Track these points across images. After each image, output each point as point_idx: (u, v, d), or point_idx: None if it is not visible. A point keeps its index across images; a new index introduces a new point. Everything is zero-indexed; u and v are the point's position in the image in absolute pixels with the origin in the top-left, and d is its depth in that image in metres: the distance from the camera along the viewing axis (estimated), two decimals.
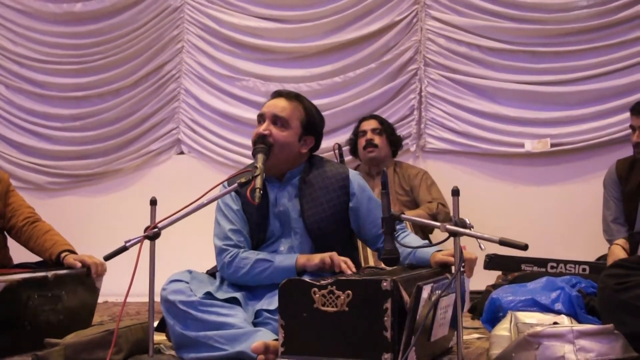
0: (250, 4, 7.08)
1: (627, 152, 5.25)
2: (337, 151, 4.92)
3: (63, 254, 3.99)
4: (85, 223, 7.15)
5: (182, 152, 7.28)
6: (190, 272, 3.45)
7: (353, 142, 5.92)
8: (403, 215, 2.90)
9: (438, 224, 2.70)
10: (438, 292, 2.82)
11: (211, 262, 3.59)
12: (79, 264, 3.93)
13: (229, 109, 7.06)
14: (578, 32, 6.15)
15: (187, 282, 3.33)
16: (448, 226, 2.61)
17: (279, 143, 3.43)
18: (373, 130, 5.77)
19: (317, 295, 2.74)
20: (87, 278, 3.96)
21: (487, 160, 6.40)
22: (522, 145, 6.21)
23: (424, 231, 5.40)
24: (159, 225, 2.87)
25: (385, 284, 2.65)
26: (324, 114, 3.72)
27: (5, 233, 4.24)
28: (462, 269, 3.12)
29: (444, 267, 3.26)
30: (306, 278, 2.92)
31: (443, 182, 5.69)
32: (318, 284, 2.76)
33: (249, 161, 3.65)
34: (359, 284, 2.72)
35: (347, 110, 6.63)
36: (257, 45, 7.06)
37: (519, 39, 6.29)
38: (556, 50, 6.21)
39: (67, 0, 7.55)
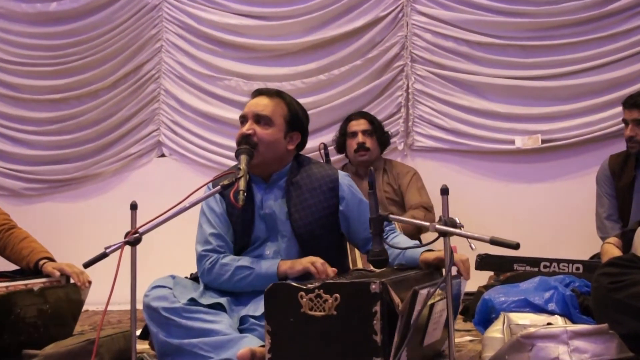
0: (230, 0, 7.08)
1: (620, 147, 5.28)
2: (322, 151, 4.92)
3: (41, 262, 3.95)
4: (64, 230, 7.13)
5: (163, 155, 7.27)
6: (173, 277, 3.45)
7: (341, 142, 5.89)
8: (391, 216, 2.90)
9: (427, 223, 2.70)
10: (432, 294, 2.81)
11: (195, 267, 3.59)
12: (58, 273, 3.89)
13: (210, 109, 7.06)
14: (568, 25, 6.17)
15: (170, 288, 3.32)
16: (437, 226, 2.60)
17: (264, 142, 3.43)
18: (364, 132, 5.73)
19: (304, 300, 2.74)
20: (71, 289, 3.92)
21: (476, 158, 6.41)
22: (513, 142, 6.22)
23: (414, 233, 5.40)
24: (140, 230, 2.86)
25: (374, 287, 2.65)
26: (309, 112, 3.73)
27: None
28: (457, 273, 3.14)
29: (435, 268, 3.27)
30: (292, 282, 2.93)
31: (432, 181, 5.67)
32: (305, 287, 2.76)
33: (233, 163, 3.65)
34: (347, 286, 2.72)
35: (332, 109, 6.63)
36: (238, 43, 7.06)
37: (507, 33, 6.31)
38: (546, 43, 6.22)
39: (41, 0, 7.52)
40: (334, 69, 6.72)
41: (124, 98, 7.29)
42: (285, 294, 2.80)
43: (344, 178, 3.57)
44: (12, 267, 4.13)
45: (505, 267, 4.75)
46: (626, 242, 3.90)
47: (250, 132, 3.43)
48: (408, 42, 6.54)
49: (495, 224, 5.57)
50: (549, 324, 3.35)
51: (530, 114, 6.23)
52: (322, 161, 4.50)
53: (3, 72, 7.61)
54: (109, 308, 2.92)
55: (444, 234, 2.61)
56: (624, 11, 6.05)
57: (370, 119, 5.86)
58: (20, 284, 3.70)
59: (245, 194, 2.99)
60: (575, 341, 2.99)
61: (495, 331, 3.41)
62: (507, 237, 2.60)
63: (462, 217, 2.66)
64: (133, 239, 2.80)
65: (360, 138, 5.72)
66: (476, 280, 5.04)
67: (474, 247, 2.66)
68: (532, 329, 3.06)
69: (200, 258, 3.47)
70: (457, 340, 3.85)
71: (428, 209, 5.57)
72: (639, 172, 5.07)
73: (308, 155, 3.77)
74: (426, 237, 5.35)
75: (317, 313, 2.72)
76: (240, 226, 3.51)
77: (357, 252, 4.50)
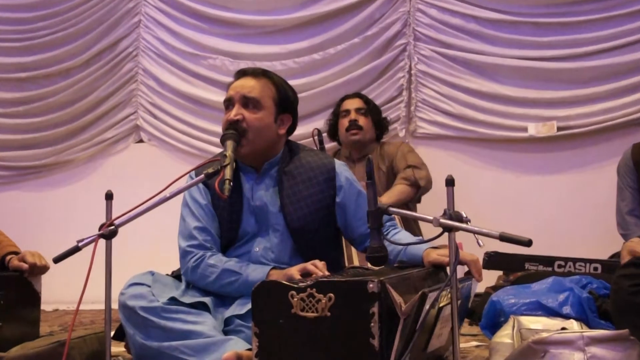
0: None
1: None
2: (316, 137, 4.91)
3: (8, 257, 3.94)
4: (33, 221, 7.14)
5: (141, 140, 7.29)
6: (152, 274, 3.45)
7: (333, 123, 5.91)
8: (391, 209, 2.89)
9: (430, 217, 2.70)
10: (440, 297, 2.81)
11: (176, 263, 3.59)
12: (26, 265, 3.86)
13: (193, 90, 7.06)
14: (587, 0, 6.16)
15: (149, 286, 3.32)
16: (442, 220, 2.59)
17: (254, 127, 3.42)
18: (357, 110, 5.78)
19: (295, 299, 2.74)
20: (21, 280, 3.86)
21: (485, 147, 6.43)
22: (525, 129, 6.23)
23: (413, 226, 5.42)
24: (116, 222, 2.86)
25: (372, 286, 2.65)
26: (300, 95, 3.75)
27: None
28: (467, 274, 3.14)
29: (440, 266, 3.27)
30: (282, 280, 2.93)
31: (436, 171, 5.69)
32: (296, 286, 2.76)
33: (217, 150, 3.64)
34: (342, 285, 2.72)
35: (327, 92, 6.64)
36: (224, 18, 7.06)
37: (520, 9, 6.31)
38: (563, 20, 6.22)
39: None
40: (329, 47, 6.72)
41: (98, 78, 7.29)
42: (274, 293, 2.79)
43: (341, 167, 3.58)
44: None
45: (515, 266, 4.76)
46: None
47: (238, 117, 3.41)
48: (411, 18, 6.55)
49: (505, 219, 5.60)
50: (563, 328, 3.36)
51: (545, 98, 6.24)
52: (315, 148, 4.51)
53: None
54: (82, 307, 2.92)
55: (448, 229, 2.61)
56: None
57: (366, 100, 5.90)
58: None
59: (231, 183, 2.97)
60: (592, 348, 3.00)
61: (504, 336, 3.42)
62: (518, 233, 2.61)
63: (468, 211, 2.66)
64: (108, 232, 2.80)
65: (353, 115, 5.75)
66: (483, 280, 5.05)
67: (481, 243, 2.67)
68: (544, 334, 3.06)
69: (185, 254, 3.47)
70: (462, 345, 3.87)
71: (417, 166, 5.59)
72: None
73: (300, 142, 3.77)
74: (431, 232, 5.36)
75: (309, 314, 2.72)
76: (226, 220, 3.50)
77: (353, 249, 4.51)
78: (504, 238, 2.53)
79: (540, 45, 6.25)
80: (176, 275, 3.59)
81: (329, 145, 5.99)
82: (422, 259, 3.29)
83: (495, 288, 4.69)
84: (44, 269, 3.85)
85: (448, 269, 3.11)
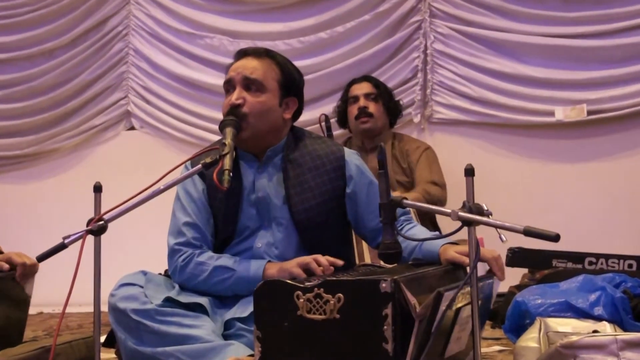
0: None
1: None
2: (323, 124, 4.92)
3: None
4: (14, 216, 7.17)
5: (132, 127, 7.30)
6: (144, 273, 3.44)
7: (341, 110, 5.92)
8: (406, 201, 2.89)
9: (448, 210, 2.69)
10: (457, 297, 2.81)
11: None
12: (7, 266, 3.87)
13: (189, 73, 7.07)
14: None
15: (141, 287, 3.31)
16: (461, 213, 2.59)
17: (256, 112, 3.40)
18: (366, 96, 5.78)
19: (301, 300, 2.74)
20: (13, 282, 3.89)
21: (508, 133, 6.42)
22: (552, 114, 6.22)
23: (432, 221, 5.42)
24: (105, 217, 2.87)
25: (385, 285, 2.65)
26: (306, 77, 3.73)
27: None
28: (489, 272, 3.14)
29: (459, 264, 3.26)
30: (287, 279, 2.93)
31: (454, 160, 5.65)
32: (302, 286, 2.76)
33: (215, 137, 3.65)
34: (353, 285, 2.72)
35: (335, 74, 6.64)
36: None
37: None
38: None
39: None
40: (337, 25, 6.72)
41: (85, 59, 7.29)
42: (278, 293, 2.79)
43: (351, 155, 3.57)
44: None
45: (542, 263, 4.77)
46: None
47: (240, 101, 3.40)
48: None
49: (530, 212, 5.60)
50: (595, 331, 3.36)
51: (574, 79, 6.23)
52: (323, 135, 4.51)
53: None
54: (68, 310, 2.93)
55: (468, 223, 2.60)
56: None
57: (376, 83, 5.89)
58: None
59: (231, 174, 2.97)
60: (627, 352, 3.00)
61: (530, 340, 3.42)
62: (545, 227, 2.61)
63: (490, 203, 2.67)
64: (97, 228, 2.81)
65: (362, 102, 5.75)
66: (507, 279, 5.04)
67: (504, 238, 2.67)
68: (574, 338, 3.06)
69: (173, 253, 3.47)
70: (483, 350, 3.87)
71: (441, 186, 5.58)
72: None
73: (306, 129, 3.76)
74: (449, 227, 5.37)
75: (317, 316, 2.73)
76: (223, 213, 3.49)
77: (364, 244, 4.52)
78: (528, 232, 2.52)
79: (569, 21, 6.24)
80: (170, 275, 3.59)
81: (338, 132, 5.98)
82: (438, 256, 3.28)
83: (519, 287, 4.69)
84: (34, 267, 3.85)
85: (467, 267, 3.11)
